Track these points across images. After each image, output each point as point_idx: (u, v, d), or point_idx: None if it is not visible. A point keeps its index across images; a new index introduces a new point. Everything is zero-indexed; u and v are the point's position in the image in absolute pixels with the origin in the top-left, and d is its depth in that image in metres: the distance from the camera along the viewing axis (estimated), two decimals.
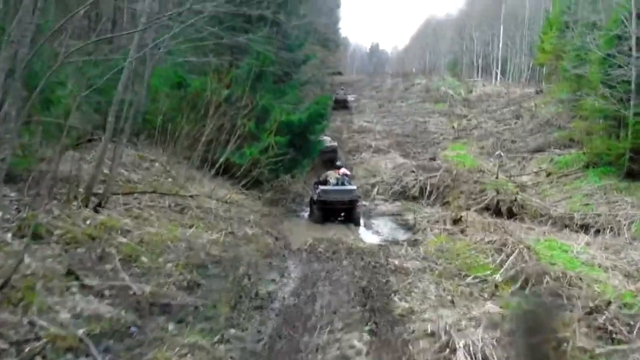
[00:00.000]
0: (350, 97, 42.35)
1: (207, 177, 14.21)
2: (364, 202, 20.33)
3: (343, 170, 18.44)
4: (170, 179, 12.37)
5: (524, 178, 24.36)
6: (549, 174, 24.13)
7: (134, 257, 7.38)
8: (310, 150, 17.39)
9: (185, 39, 11.88)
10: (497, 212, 19.08)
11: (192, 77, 14.03)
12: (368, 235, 14.45)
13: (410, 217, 16.81)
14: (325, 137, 27.24)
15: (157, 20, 8.79)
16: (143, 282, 6.72)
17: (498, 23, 49.87)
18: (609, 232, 15.49)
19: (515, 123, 32.02)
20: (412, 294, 7.96)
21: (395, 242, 12.77)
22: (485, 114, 34.89)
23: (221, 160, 14.17)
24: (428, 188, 22.15)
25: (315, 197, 16.24)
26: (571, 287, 8.36)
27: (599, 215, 17.07)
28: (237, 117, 13.97)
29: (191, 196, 11.37)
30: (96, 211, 8.67)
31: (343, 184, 16.60)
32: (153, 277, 6.95)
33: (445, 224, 13.93)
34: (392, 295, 7.81)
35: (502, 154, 23.22)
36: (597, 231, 15.79)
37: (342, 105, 39.44)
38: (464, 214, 13.77)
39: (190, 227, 9.70)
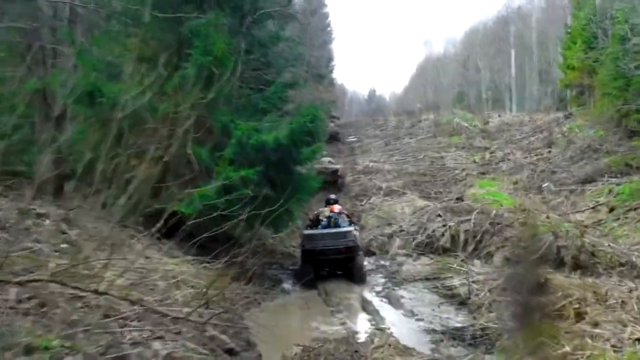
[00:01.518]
0: (352, 138, 37.66)
1: (145, 241, 9.11)
2: (381, 262, 15.25)
3: (337, 207, 13.88)
4: (66, 252, 7.24)
5: (579, 216, 19.22)
6: (611, 209, 18.98)
7: None
8: (298, 188, 11.39)
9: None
10: (559, 264, 13.95)
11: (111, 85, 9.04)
12: (400, 320, 8.79)
13: (455, 281, 11.45)
14: (324, 159, 23.67)
15: None
16: None
17: (507, 46, 45.63)
18: None
19: (549, 152, 27.11)
20: None
21: (454, 335, 7.50)
22: (510, 145, 30.03)
23: (164, 211, 9.10)
24: (462, 236, 16.99)
25: (301, 251, 12.75)
26: None
27: None
28: (187, 144, 9.07)
29: (96, 291, 6.11)
30: None
31: (337, 225, 12.83)
32: None
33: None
34: None
35: (551, 185, 18.14)
36: None
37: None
38: (548, 276, 8.53)
39: None
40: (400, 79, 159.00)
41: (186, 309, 6.41)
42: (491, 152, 28.79)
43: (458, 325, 7.60)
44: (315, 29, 40.69)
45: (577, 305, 7.48)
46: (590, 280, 11.51)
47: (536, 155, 27.23)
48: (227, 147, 9.89)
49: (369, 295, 9.83)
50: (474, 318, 7.81)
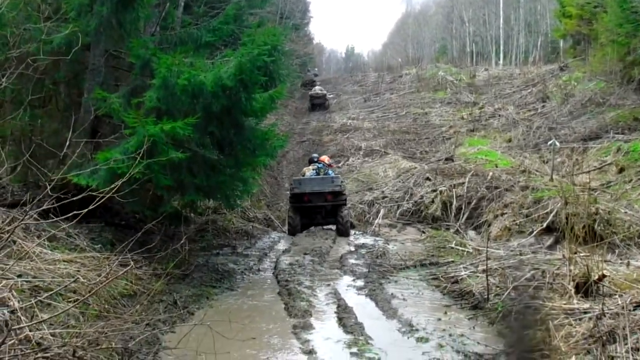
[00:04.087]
0: (328, 95, 35.08)
1: (36, 228, 6.44)
2: (362, 239, 12.73)
3: (326, 158, 14.30)
4: None
5: (584, 177, 16.88)
6: (621, 170, 16.62)
7: None
8: (253, 148, 8.54)
9: None
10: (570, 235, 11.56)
11: None
12: (394, 341, 5.46)
13: (460, 269, 8.38)
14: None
15: None
16: None
17: None
18: None
19: (543, 106, 24.67)
20: None
21: None
22: (500, 100, 27.49)
23: (67, 184, 6.49)
24: (455, 202, 14.60)
25: (290, 196, 13.32)
26: None
27: None
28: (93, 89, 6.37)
29: None
30: None
31: (326, 174, 13.39)
32: None
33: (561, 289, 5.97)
34: None
35: (556, 142, 15.71)
36: None
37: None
38: (603, 270, 5.87)
39: None
40: (378, 36, 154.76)
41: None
42: (480, 108, 26.26)
43: (480, 350, 5.00)
44: None
45: None
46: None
47: (530, 110, 24.78)
48: (148, 91, 7.16)
49: (348, 295, 7.25)
50: (499, 334, 5.27)
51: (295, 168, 20.01)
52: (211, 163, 7.80)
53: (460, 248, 10.34)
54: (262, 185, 16.29)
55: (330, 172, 13.51)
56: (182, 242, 7.40)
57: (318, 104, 31.73)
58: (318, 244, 11.65)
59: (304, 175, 13.48)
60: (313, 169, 13.53)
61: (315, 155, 14.65)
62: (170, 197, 8.40)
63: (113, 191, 4.50)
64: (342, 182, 13.07)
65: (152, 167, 6.36)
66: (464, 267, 8.30)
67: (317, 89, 32.92)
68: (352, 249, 11.40)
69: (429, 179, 15.70)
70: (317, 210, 13.02)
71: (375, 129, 24.94)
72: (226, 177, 8.18)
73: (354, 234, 13.35)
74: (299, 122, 29.16)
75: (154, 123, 6.66)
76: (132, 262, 5.21)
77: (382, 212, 14.81)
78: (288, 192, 14.18)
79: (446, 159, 17.61)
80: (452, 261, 9.22)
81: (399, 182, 16.24)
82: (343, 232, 12.62)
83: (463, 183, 14.84)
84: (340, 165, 19.75)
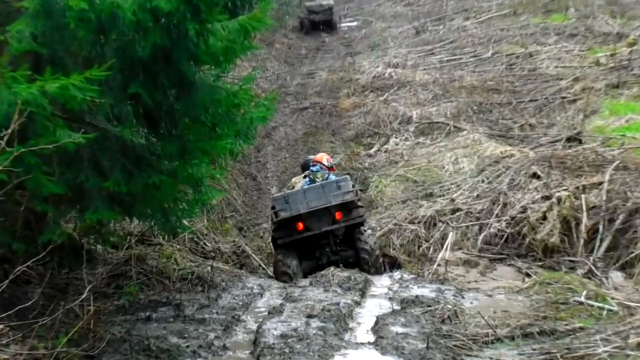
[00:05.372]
0: (349, 22, 27.38)
1: None
2: (419, 285, 9.10)
3: (325, 157, 10.64)
4: None
5: None
6: None
7: None
8: (212, 122, 6.04)
9: None
10: None
11: None
12: None
13: (598, 344, 5.64)
14: None
15: None
16: None
17: None
18: None
19: None
20: None
21: None
22: None
23: None
24: (584, 220, 9.45)
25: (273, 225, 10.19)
26: None
27: None
28: None
29: None
30: None
31: (326, 178, 10.11)
32: None
33: None
34: None
35: None
36: None
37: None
38: None
39: None
40: None
41: None
42: (630, 43, 18.48)
43: None
44: None
45: None
46: None
47: None
48: (15, 22, 5.21)
49: None
50: None
51: (290, 160, 15.13)
52: (134, 152, 6.03)
53: (596, 304, 7.41)
54: (229, 192, 12.56)
55: (331, 176, 10.36)
56: (81, 298, 5.69)
57: (318, 23, 24.52)
58: (333, 297, 8.25)
59: (292, 189, 10.50)
60: (306, 177, 10.28)
61: (310, 157, 11.19)
62: (60, 216, 6.77)
63: None
64: (353, 185, 10.34)
65: (25, 160, 4.81)
66: (602, 340, 5.88)
67: None
68: (397, 306, 7.96)
69: (537, 177, 10.67)
70: (323, 242, 9.87)
71: (438, 84, 17.93)
72: (162, 177, 6.01)
73: (399, 278, 9.33)
74: (296, 73, 22.30)
75: (27, 80, 4.94)
76: None
77: (451, 237, 10.06)
78: (269, 217, 11.02)
79: (569, 140, 12.57)
80: (581, 328, 6.69)
81: (482, 182, 11.17)
82: (370, 269, 9.64)
83: (600, 184, 9.90)
84: (371, 152, 14.14)
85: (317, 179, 10.11)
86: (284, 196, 9.80)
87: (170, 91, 6.15)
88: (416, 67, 19.87)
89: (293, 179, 10.93)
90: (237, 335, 7.19)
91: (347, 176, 10.68)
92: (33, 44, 5.34)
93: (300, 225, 9.61)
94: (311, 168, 10.35)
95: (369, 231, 10.04)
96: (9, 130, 4.24)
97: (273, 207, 10.00)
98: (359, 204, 10.23)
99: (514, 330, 6.69)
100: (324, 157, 10.77)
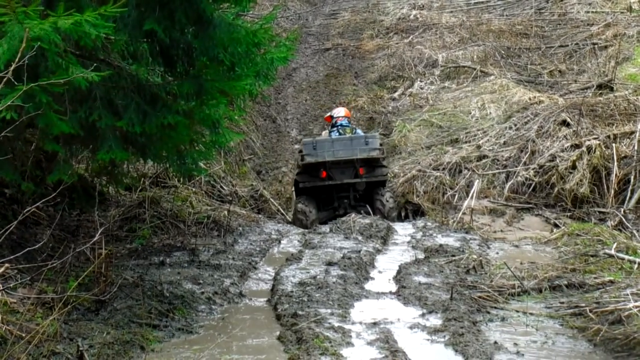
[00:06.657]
0: None
1: None
2: (443, 234, 8.93)
3: (339, 110, 10.89)
4: None
5: None
6: None
7: None
8: (230, 61, 5.69)
9: None
10: None
11: None
12: None
13: (628, 298, 5.27)
14: None
15: None
16: None
17: None
18: None
19: None
20: None
21: None
22: None
23: None
24: (615, 170, 9.30)
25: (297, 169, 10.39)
26: None
27: None
28: None
29: None
30: None
31: (355, 132, 10.35)
32: None
33: None
34: None
35: None
36: None
37: None
38: None
39: None
40: None
41: None
42: None
43: None
44: None
45: None
46: None
47: None
48: None
49: (412, 344, 4.69)
50: None
51: (311, 103, 14.71)
52: (150, 91, 5.79)
53: (627, 257, 7.21)
54: (247, 134, 12.21)
55: (358, 130, 10.71)
56: (93, 241, 5.30)
57: None
58: (354, 244, 8.10)
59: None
60: (339, 125, 10.35)
61: (336, 110, 11.13)
62: (71, 156, 6.64)
63: None
64: (381, 144, 10.22)
65: (36, 97, 4.55)
66: (633, 295, 5.59)
67: None
68: (420, 255, 7.75)
69: (567, 125, 10.28)
70: (342, 195, 10.05)
71: (464, 27, 17.38)
72: (178, 117, 5.71)
73: (423, 226, 9.16)
74: (318, 13, 21.87)
75: (39, 16, 4.66)
76: None
77: (477, 185, 9.79)
78: (294, 162, 11.06)
79: (599, 87, 12.15)
80: (611, 281, 6.49)
81: (510, 129, 10.86)
82: (385, 216, 9.81)
83: (632, 133, 9.68)
84: (395, 96, 13.83)
85: (346, 133, 10.29)
86: (313, 142, 9.98)
87: (187, 28, 5.96)
88: (442, 9, 19.27)
89: (323, 133, 11.03)
90: (253, 282, 7.21)
91: (377, 133, 10.80)
92: None
93: (324, 173, 9.77)
94: (341, 122, 10.48)
95: (389, 193, 10.07)
96: (17, 64, 3.99)
97: (300, 151, 10.15)
98: (384, 163, 10.26)
99: (541, 282, 6.56)
100: (337, 111, 10.99)
